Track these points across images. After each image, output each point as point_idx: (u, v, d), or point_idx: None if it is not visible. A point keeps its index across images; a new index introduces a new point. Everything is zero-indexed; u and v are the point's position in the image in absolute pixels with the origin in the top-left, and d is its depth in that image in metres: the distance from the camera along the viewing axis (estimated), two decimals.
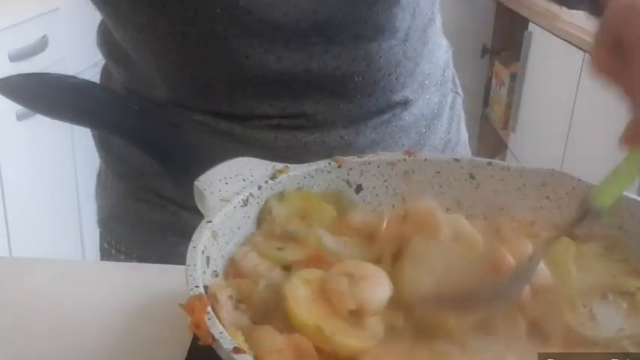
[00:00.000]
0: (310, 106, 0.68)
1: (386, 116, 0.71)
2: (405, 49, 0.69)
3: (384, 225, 0.51)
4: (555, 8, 2.29)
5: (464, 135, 0.84)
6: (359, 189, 0.57)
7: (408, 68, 0.71)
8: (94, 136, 0.79)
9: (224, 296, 0.43)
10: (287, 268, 0.48)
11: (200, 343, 0.38)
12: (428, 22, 0.72)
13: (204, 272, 0.44)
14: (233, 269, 0.48)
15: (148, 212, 0.74)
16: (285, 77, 0.65)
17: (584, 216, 0.48)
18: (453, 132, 0.80)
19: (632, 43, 0.46)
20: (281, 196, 0.53)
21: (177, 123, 0.68)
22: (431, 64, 0.75)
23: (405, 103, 0.72)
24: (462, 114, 0.84)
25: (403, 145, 0.73)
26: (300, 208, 0.53)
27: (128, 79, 0.71)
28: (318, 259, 0.47)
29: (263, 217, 0.52)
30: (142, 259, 0.78)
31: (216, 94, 0.66)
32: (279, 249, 0.49)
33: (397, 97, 0.71)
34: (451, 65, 0.82)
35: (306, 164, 0.56)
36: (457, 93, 0.82)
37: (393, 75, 0.69)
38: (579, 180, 0.56)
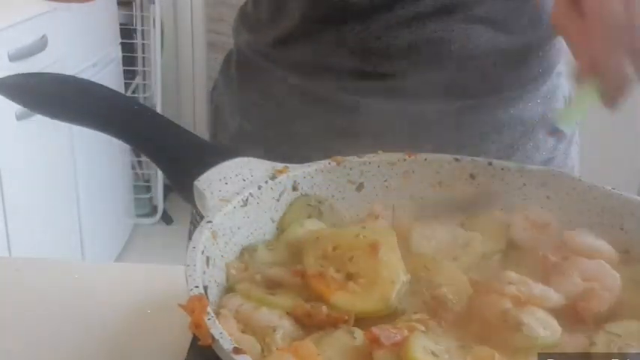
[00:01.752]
0: (401, 65, 0.68)
1: (472, 102, 0.70)
2: (512, 42, 0.69)
3: None
4: None
5: (572, 160, 0.81)
6: (360, 187, 0.57)
7: (509, 60, 0.70)
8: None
9: (230, 318, 0.43)
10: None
11: (200, 343, 0.38)
12: (545, 30, 0.72)
13: (204, 272, 0.44)
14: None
15: None
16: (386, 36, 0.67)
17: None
18: (559, 154, 0.77)
19: (590, 6, 0.50)
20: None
21: (274, 91, 0.74)
22: (538, 74, 0.74)
23: (499, 99, 0.71)
24: (576, 141, 0.82)
25: (493, 142, 0.72)
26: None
27: (256, 40, 0.77)
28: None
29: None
30: None
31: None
32: (271, 294, 0.46)
33: (490, 85, 0.70)
34: (566, 90, 0.80)
35: (306, 164, 0.56)
36: None
37: (491, 58, 0.69)
38: (579, 180, 0.55)
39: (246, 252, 0.50)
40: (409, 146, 0.58)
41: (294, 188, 0.54)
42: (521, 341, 0.43)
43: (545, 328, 0.43)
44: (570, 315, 0.46)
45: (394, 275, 0.46)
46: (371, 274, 0.46)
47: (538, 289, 0.45)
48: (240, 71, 0.79)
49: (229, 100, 0.80)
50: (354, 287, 0.45)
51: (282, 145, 0.73)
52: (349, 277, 0.46)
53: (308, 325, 0.44)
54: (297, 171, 0.55)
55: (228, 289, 0.47)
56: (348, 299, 0.44)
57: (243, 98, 0.78)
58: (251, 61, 0.77)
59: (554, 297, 0.46)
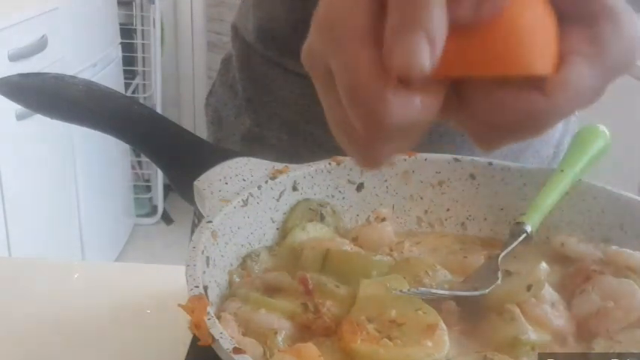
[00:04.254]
0: None
1: None
2: None
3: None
4: None
5: None
6: (360, 187, 0.57)
7: None
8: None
9: (231, 321, 0.43)
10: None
11: (200, 343, 0.38)
12: None
13: (204, 272, 0.44)
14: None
15: None
16: None
17: (516, 238, 0.51)
18: (563, 147, 0.75)
19: None
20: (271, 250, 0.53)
21: (286, 91, 0.71)
22: None
23: None
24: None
25: (494, 157, 0.69)
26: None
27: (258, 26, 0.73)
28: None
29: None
30: None
31: None
32: (269, 297, 0.46)
33: None
34: None
35: (305, 164, 0.56)
36: None
37: None
38: (579, 180, 0.55)
39: (249, 259, 0.50)
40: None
41: (294, 188, 0.54)
42: (508, 334, 0.43)
43: (535, 332, 0.43)
44: (584, 330, 0.46)
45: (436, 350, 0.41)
46: (412, 342, 0.41)
47: (541, 310, 0.45)
48: (244, 73, 0.76)
49: (233, 104, 0.77)
50: (386, 342, 0.41)
51: (298, 147, 0.71)
52: (388, 337, 0.42)
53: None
54: (297, 171, 0.55)
55: (230, 295, 0.47)
56: (372, 348, 0.41)
57: (250, 100, 0.75)
58: (257, 61, 0.74)
59: (553, 324, 0.45)
